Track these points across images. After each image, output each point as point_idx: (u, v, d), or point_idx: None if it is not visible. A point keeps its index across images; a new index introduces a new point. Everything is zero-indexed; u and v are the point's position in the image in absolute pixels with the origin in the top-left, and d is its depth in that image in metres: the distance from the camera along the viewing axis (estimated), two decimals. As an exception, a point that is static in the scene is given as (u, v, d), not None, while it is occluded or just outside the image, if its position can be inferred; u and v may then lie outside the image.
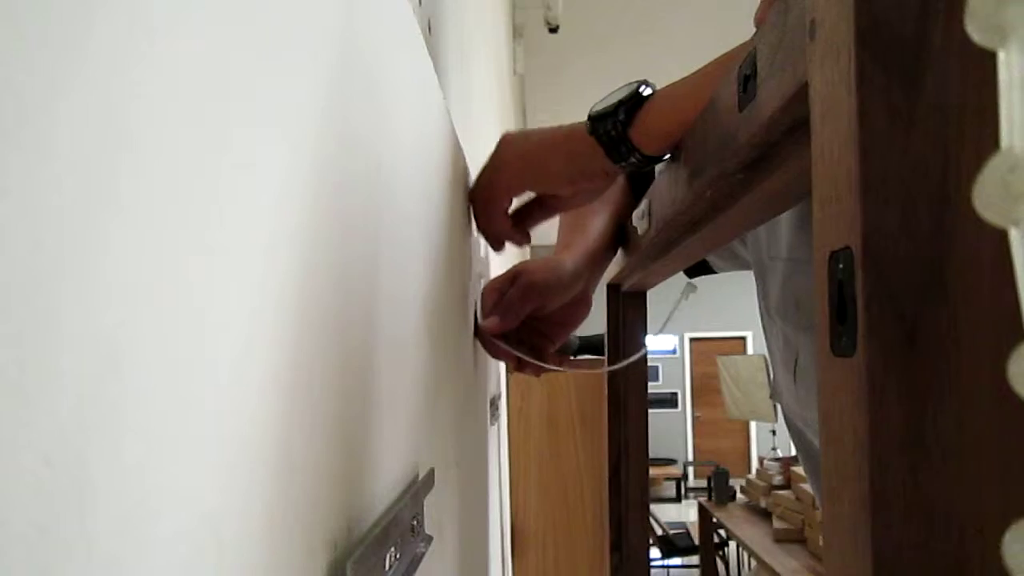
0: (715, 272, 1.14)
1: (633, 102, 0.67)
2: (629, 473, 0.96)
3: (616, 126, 0.67)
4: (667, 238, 0.68)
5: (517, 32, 4.66)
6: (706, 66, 0.66)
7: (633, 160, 0.68)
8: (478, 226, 0.88)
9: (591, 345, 2.74)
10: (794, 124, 0.35)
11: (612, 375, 0.97)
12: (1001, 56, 0.17)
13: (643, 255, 0.76)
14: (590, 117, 0.70)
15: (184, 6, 0.22)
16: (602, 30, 5.18)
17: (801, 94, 0.29)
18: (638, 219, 0.75)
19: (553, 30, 4.59)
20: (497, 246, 0.87)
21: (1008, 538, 0.16)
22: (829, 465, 0.25)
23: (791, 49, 0.30)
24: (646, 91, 0.68)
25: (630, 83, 0.69)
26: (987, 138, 0.23)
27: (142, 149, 0.20)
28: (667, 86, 0.68)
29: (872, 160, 0.23)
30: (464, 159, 0.93)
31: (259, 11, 0.28)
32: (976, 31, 0.17)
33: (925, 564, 0.22)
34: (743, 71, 0.38)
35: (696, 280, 1.16)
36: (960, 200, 0.23)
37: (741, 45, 0.64)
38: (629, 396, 0.97)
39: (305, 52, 0.33)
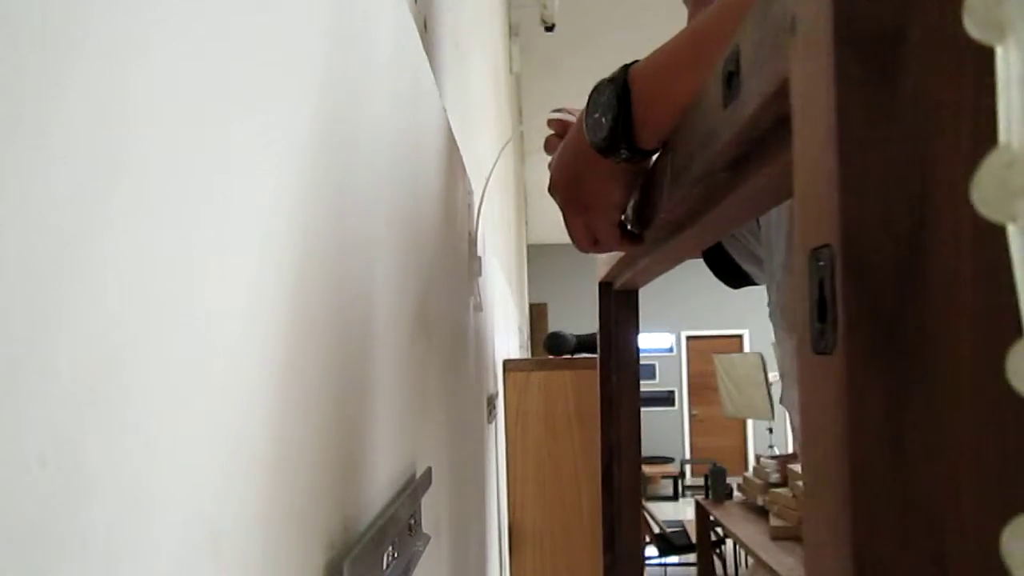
0: (756, 284, 1.11)
1: (624, 114, 0.65)
2: (622, 472, 0.96)
3: (624, 144, 0.66)
4: (656, 235, 0.67)
5: (513, 31, 4.65)
6: (680, 38, 0.63)
7: (636, 156, 0.67)
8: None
9: (587, 344, 2.74)
10: (777, 121, 0.35)
11: (604, 374, 0.97)
12: (999, 52, 0.17)
13: (633, 253, 0.76)
14: (599, 149, 0.67)
15: (179, 7, 0.22)
16: (598, 28, 5.18)
17: (783, 91, 0.29)
18: (627, 217, 0.74)
19: (549, 29, 4.59)
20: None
21: (1006, 536, 0.16)
22: (809, 464, 0.25)
23: (773, 45, 0.30)
24: (623, 84, 0.65)
25: (604, 89, 0.66)
26: (964, 133, 0.23)
27: (138, 150, 0.19)
28: (645, 69, 0.64)
29: (851, 156, 0.23)
30: (460, 157, 0.93)
31: (254, 11, 0.28)
32: (974, 28, 0.17)
33: (905, 563, 0.22)
34: (727, 67, 0.38)
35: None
36: (938, 196, 0.23)
37: (706, 15, 0.62)
38: (621, 395, 0.97)
39: (300, 51, 0.33)
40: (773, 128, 0.36)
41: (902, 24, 0.23)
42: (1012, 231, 0.17)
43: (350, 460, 0.38)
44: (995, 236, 0.22)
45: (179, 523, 0.21)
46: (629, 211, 0.74)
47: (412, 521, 0.49)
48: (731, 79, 0.37)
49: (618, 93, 0.65)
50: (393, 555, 0.42)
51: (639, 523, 0.96)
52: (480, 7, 2.23)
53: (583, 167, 0.74)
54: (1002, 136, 0.17)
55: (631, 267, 0.83)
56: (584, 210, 0.78)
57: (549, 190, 0.81)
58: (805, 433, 0.25)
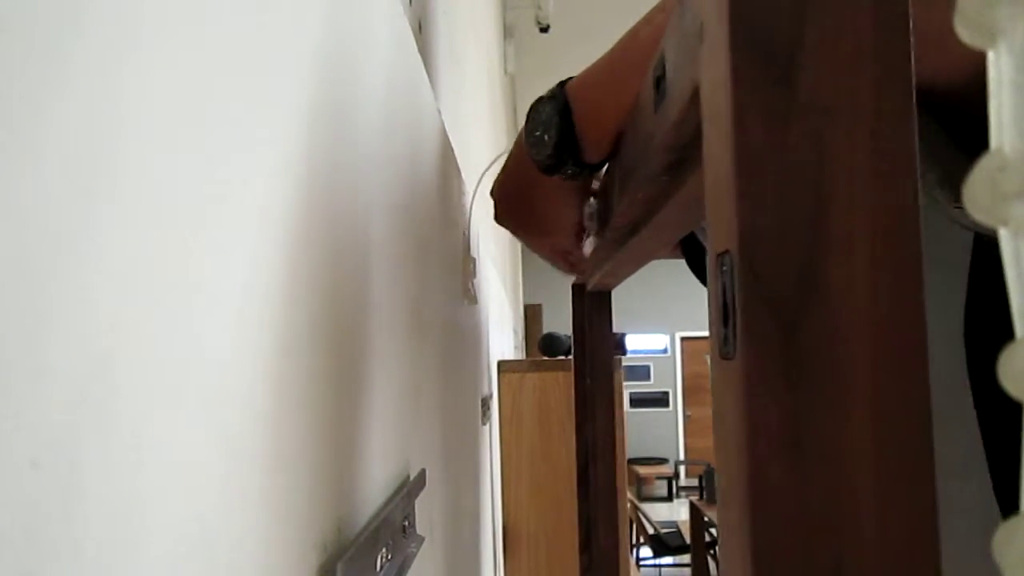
0: None
1: (567, 129, 0.63)
2: (598, 473, 0.96)
3: (570, 160, 0.64)
4: (613, 238, 0.68)
5: (508, 32, 4.66)
6: (613, 50, 0.62)
7: (584, 171, 0.66)
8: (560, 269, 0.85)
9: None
10: (698, 128, 0.35)
11: (579, 375, 0.97)
12: (990, 57, 0.17)
13: (597, 255, 0.76)
14: (542, 167, 0.65)
15: (172, 9, 0.22)
16: (593, 30, 5.18)
17: (697, 97, 0.29)
18: (588, 220, 0.74)
19: (544, 30, 4.60)
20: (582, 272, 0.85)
21: (998, 539, 0.16)
22: (720, 468, 0.25)
23: (687, 51, 0.31)
24: (562, 100, 0.64)
25: (543, 107, 0.64)
26: (862, 137, 0.23)
27: (132, 150, 0.19)
28: (580, 84, 0.63)
29: (747, 161, 0.23)
30: (455, 159, 0.93)
31: (247, 12, 0.28)
32: (965, 31, 0.17)
33: (804, 568, 0.22)
34: (655, 72, 0.38)
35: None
36: (836, 200, 0.23)
37: (645, 18, 0.60)
38: (596, 395, 0.97)
39: (294, 52, 0.33)
40: (696, 133, 0.36)
41: (798, 28, 0.23)
42: (1004, 235, 0.17)
43: (344, 461, 0.38)
44: (891, 238, 0.23)
45: (172, 525, 0.21)
46: (587, 216, 0.74)
47: (406, 523, 0.49)
48: (659, 83, 0.38)
49: (559, 109, 0.63)
50: (387, 557, 0.42)
51: (616, 525, 0.96)
52: (475, 9, 2.23)
53: (529, 191, 0.73)
54: (993, 140, 0.17)
55: (599, 269, 0.84)
56: (546, 234, 0.77)
57: (495, 219, 0.79)
58: (716, 438, 0.25)
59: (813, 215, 0.23)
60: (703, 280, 1.11)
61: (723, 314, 0.24)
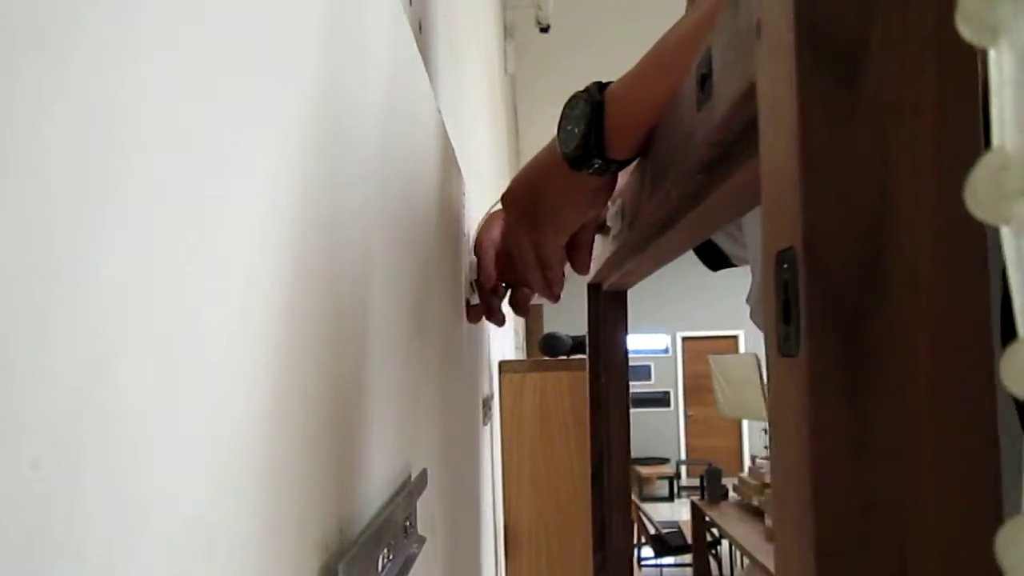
0: (735, 266, 1.12)
1: (596, 124, 0.65)
2: (611, 473, 0.96)
3: (596, 153, 0.66)
4: (640, 237, 0.68)
5: (508, 32, 4.66)
6: (649, 53, 0.64)
7: (610, 168, 0.67)
8: (535, 288, 0.87)
9: (583, 345, 2.74)
10: (748, 124, 0.35)
11: (594, 375, 0.97)
12: (992, 55, 0.17)
13: (619, 255, 0.76)
14: (569, 160, 0.67)
15: (172, 9, 0.22)
16: (593, 29, 5.18)
17: (751, 94, 0.29)
18: (612, 218, 0.75)
19: (544, 30, 4.59)
20: (555, 299, 0.87)
21: (1000, 539, 0.16)
22: (777, 466, 0.25)
23: (740, 49, 0.30)
24: (597, 97, 0.65)
25: (577, 102, 0.66)
26: (925, 135, 0.23)
27: (132, 151, 0.19)
28: (617, 85, 0.65)
29: (812, 159, 0.23)
30: (455, 159, 0.93)
31: (248, 12, 0.27)
32: (967, 30, 0.17)
33: (868, 564, 0.22)
34: (700, 70, 0.38)
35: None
36: (899, 197, 0.23)
37: (675, 26, 0.63)
38: (610, 396, 0.97)
39: (295, 53, 0.33)
40: (744, 131, 0.36)
41: (864, 27, 0.23)
42: (1006, 233, 0.17)
43: (345, 462, 0.38)
44: (956, 237, 0.22)
45: (174, 526, 0.21)
46: (611, 215, 0.75)
47: (407, 523, 0.49)
48: (704, 81, 0.38)
49: (592, 104, 0.65)
50: (388, 557, 0.42)
51: (630, 523, 0.96)
52: (475, 8, 2.23)
53: (544, 180, 0.75)
54: (995, 139, 0.17)
55: (619, 268, 0.84)
56: (533, 226, 0.79)
57: (502, 199, 0.82)
58: (773, 435, 0.25)
59: (877, 213, 0.23)
60: (708, 264, 1.11)
61: (784, 311, 0.24)
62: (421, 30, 0.93)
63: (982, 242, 0.22)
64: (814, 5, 0.23)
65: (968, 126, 0.23)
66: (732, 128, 0.36)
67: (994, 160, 0.17)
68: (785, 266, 0.24)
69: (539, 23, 4.54)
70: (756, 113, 0.27)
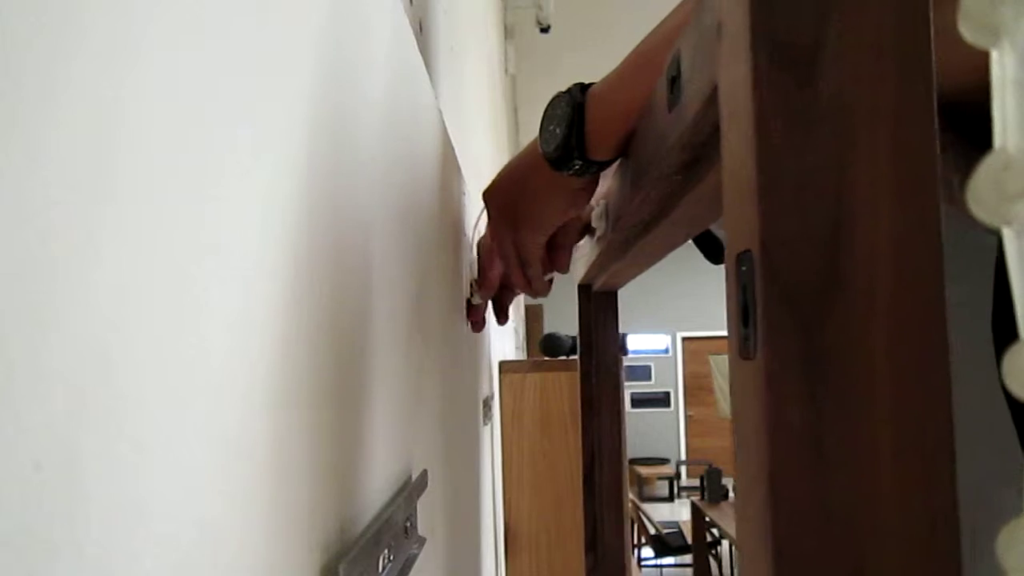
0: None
1: (578, 125, 0.65)
2: (603, 473, 0.96)
3: (577, 154, 0.66)
4: (624, 238, 0.68)
5: (508, 32, 4.65)
6: (630, 55, 0.65)
7: (591, 169, 0.68)
8: (516, 286, 0.88)
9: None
10: (715, 126, 0.35)
11: (585, 375, 0.97)
12: (994, 56, 0.17)
13: (605, 255, 0.76)
14: (550, 160, 0.68)
15: (172, 9, 0.22)
16: (593, 30, 5.18)
17: (715, 97, 0.29)
18: (597, 219, 0.75)
19: (544, 30, 4.59)
20: (535, 295, 0.88)
21: (1001, 540, 0.16)
22: (740, 468, 0.25)
23: (705, 51, 0.31)
24: (579, 98, 0.66)
25: (559, 102, 0.67)
26: (883, 138, 0.23)
27: (133, 151, 0.19)
28: (599, 86, 0.66)
29: (769, 162, 0.23)
30: (456, 159, 0.93)
31: (248, 11, 0.27)
32: (969, 31, 0.17)
33: (826, 565, 0.22)
34: (670, 72, 0.38)
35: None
36: (856, 200, 0.23)
37: (655, 29, 0.64)
38: (602, 396, 0.97)
39: (294, 51, 0.33)
40: (712, 133, 0.36)
41: (821, 30, 0.23)
42: (1008, 234, 0.17)
43: (346, 463, 0.38)
44: (912, 239, 0.22)
45: (174, 527, 0.21)
46: (596, 216, 0.75)
47: (408, 523, 0.49)
48: (674, 83, 0.38)
49: (573, 104, 0.65)
50: (389, 557, 0.42)
51: (623, 524, 0.96)
52: (476, 9, 2.23)
53: (526, 180, 0.76)
54: (997, 139, 0.17)
55: (606, 269, 0.84)
56: (513, 225, 0.80)
57: (483, 195, 0.83)
58: (735, 437, 0.25)
59: (835, 216, 0.23)
60: (709, 257, 1.11)
61: (743, 314, 0.24)
62: (422, 30, 0.93)
63: (938, 246, 0.22)
64: (770, 7, 0.23)
65: (925, 129, 0.23)
66: (701, 131, 0.36)
67: (996, 161, 0.17)
68: (743, 268, 0.24)
69: (539, 24, 4.54)
70: (719, 116, 0.27)
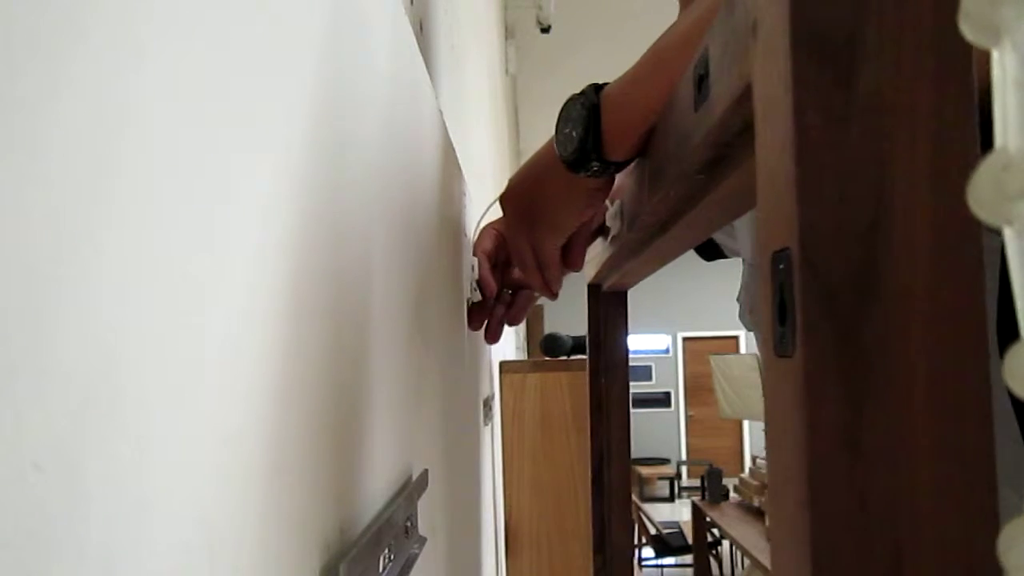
0: (727, 257, 1.12)
1: (594, 126, 0.65)
2: (612, 474, 0.96)
3: (594, 156, 0.66)
4: (639, 238, 0.68)
5: (509, 32, 4.66)
6: (645, 55, 0.65)
7: (608, 170, 0.67)
8: (535, 288, 0.88)
9: (584, 346, 2.74)
10: (744, 125, 0.35)
11: (594, 376, 0.97)
12: (995, 56, 0.17)
13: (618, 255, 0.76)
14: (567, 163, 0.67)
15: (173, 9, 0.22)
16: (594, 30, 5.18)
17: (747, 94, 0.29)
18: (611, 219, 0.75)
19: (545, 30, 4.59)
20: (553, 297, 0.88)
21: (1002, 540, 0.16)
22: (773, 466, 0.25)
23: (737, 49, 0.30)
24: (593, 99, 0.65)
25: (574, 104, 0.66)
26: (921, 135, 0.23)
27: (135, 151, 0.19)
28: (613, 87, 0.65)
29: (807, 160, 0.23)
30: (456, 159, 0.93)
31: (248, 11, 0.27)
32: (970, 31, 0.17)
33: (862, 565, 0.22)
34: (697, 70, 0.38)
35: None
36: (895, 198, 0.23)
37: (670, 28, 0.64)
38: (611, 396, 0.97)
39: (294, 52, 0.33)
40: (741, 131, 0.36)
41: (859, 26, 0.23)
42: (1008, 234, 0.17)
43: (346, 462, 0.38)
44: (951, 238, 0.22)
45: (175, 526, 0.21)
46: (610, 216, 0.75)
47: (408, 523, 0.49)
48: (701, 82, 0.37)
49: (588, 106, 0.65)
50: (389, 557, 0.42)
51: (630, 524, 0.96)
52: (476, 9, 2.23)
53: (542, 182, 0.76)
54: (998, 139, 0.17)
55: (618, 269, 0.84)
56: (531, 227, 0.79)
57: (500, 199, 0.82)
58: (769, 434, 0.25)
59: (873, 214, 0.23)
60: (702, 254, 1.11)
61: (779, 312, 0.24)
62: (422, 30, 0.93)
63: (978, 242, 0.22)
64: (810, 5, 0.23)
65: (965, 126, 0.23)
66: (729, 129, 0.36)
67: (996, 161, 0.17)
68: (781, 267, 0.24)
69: (540, 24, 4.54)
70: (753, 114, 0.27)
